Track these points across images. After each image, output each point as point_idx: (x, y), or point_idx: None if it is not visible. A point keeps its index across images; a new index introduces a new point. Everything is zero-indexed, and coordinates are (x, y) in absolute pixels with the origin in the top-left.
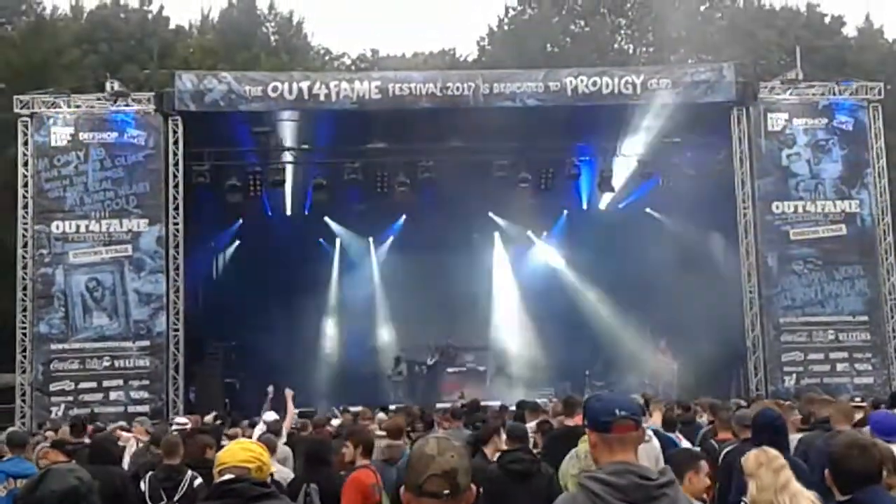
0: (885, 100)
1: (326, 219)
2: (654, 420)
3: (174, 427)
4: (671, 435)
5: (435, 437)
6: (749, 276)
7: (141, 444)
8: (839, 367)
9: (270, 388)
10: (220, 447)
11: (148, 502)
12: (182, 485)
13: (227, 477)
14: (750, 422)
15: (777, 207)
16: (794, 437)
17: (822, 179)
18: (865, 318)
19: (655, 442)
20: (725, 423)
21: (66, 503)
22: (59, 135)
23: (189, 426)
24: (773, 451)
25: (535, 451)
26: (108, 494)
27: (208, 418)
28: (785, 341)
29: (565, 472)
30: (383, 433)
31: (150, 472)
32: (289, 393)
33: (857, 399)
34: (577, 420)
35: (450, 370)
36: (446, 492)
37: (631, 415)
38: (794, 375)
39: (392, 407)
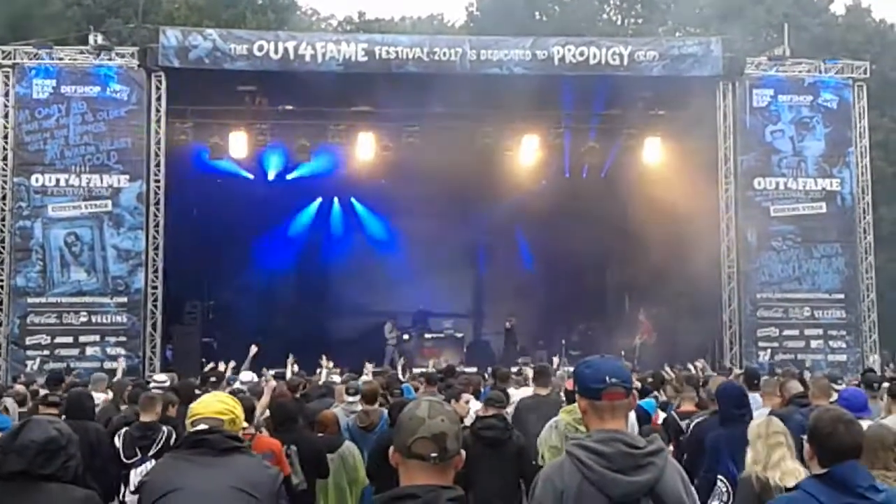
0: (870, 79)
1: (308, 180)
2: None
3: (153, 385)
4: (649, 401)
5: (427, 400)
6: (728, 252)
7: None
8: (813, 343)
9: (253, 348)
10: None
11: (123, 458)
12: (157, 441)
13: (200, 427)
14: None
15: (759, 184)
16: (764, 411)
17: (805, 157)
18: (842, 295)
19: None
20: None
21: (46, 452)
22: (41, 87)
23: (168, 384)
24: (775, 424)
25: None
26: (84, 449)
27: (222, 366)
28: (761, 317)
29: (544, 441)
30: (354, 397)
31: (124, 429)
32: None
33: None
34: (546, 390)
35: (427, 336)
36: (434, 455)
37: (621, 382)
38: (769, 351)
39: (369, 367)
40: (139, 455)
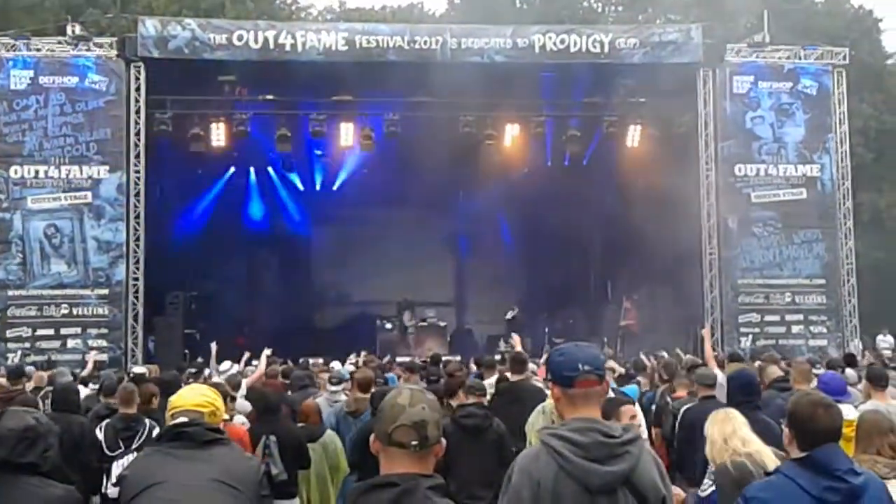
0: (849, 65)
1: (288, 170)
2: (612, 377)
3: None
4: (631, 388)
5: (409, 388)
6: (709, 238)
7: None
8: (794, 329)
9: (213, 346)
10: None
11: (105, 451)
12: (140, 434)
13: (180, 420)
14: (709, 381)
15: (739, 170)
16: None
17: (785, 143)
18: (822, 281)
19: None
20: (681, 381)
21: (25, 440)
22: (19, 78)
23: (146, 375)
24: (727, 411)
25: None
26: (67, 442)
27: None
28: (742, 303)
29: (532, 426)
30: (338, 387)
31: (105, 421)
32: (266, 352)
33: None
34: (524, 376)
35: (411, 324)
36: (414, 443)
37: (595, 370)
38: (751, 336)
39: (352, 358)
40: (122, 447)
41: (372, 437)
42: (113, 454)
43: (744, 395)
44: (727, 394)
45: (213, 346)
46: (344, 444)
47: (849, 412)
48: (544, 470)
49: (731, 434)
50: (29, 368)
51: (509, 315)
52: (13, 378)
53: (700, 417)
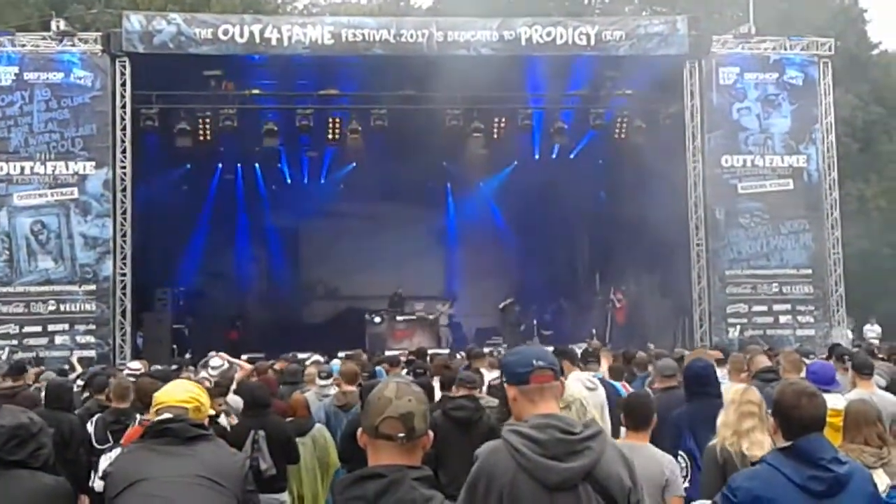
0: (834, 56)
1: (275, 164)
2: (602, 368)
3: (126, 372)
4: (616, 384)
5: (395, 381)
6: (697, 229)
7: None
8: (782, 319)
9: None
10: None
11: (95, 444)
12: (130, 427)
13: (164, 416)
14: (671, 371)
15: (726, 161)
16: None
17: (772, 134)
18: (809, 271)
19: (601, 390)
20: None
21: (17, 438)
22: (4, 74)
23: (141, 371)
24: (751, 393)
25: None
26: (56, 439)
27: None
28: (730, 293)
29: None
30: (327, 381)
31: (97, 416)
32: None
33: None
34: None
35: (399, 318)
36: (401, 435)
37: (548, 364)
38: (738, 327)
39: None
40: (111, 441)
41: (359, 430)
42: (101, 447)
43: (699, 385)
44: (684, 385)
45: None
46: (335, 438)
47: (837, 402)
48: (503, 466)
49: (745, 432)
50: None
51: (501, 305)
52: (14, 374)
53: (662, 408)
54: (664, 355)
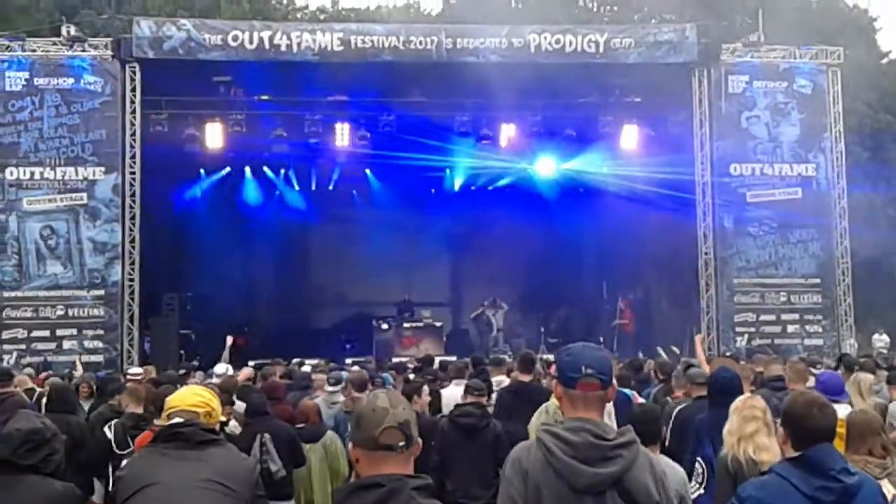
0: (843, 65)
1: (284, 170)
2: None
3: (128, 377)
4: (626, 391)
5: (384, 391)
6: (705, 238)
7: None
8: (790, 328)
9: (229, 339)
10: None
11: (115, 449)
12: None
13: (175, 420)
14: (702, 380)
15: (735, 169)
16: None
17: (780, 142)
18: (817, 280)
19: None
20: (679, 382)
21: (30, 443)
22: (14, 79)
23: (142, 376)
24: (755, 401)
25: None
26: (68, 443)
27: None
28: (738, 302)
29: (534, 426)
30: (335, 387)
31: (115, 420)
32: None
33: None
34: (529, 376)
35: (406, 325)
36: (402, 443)
37: (597, 373)
38: (746, 336)
39: (348, 361)
40: (131, 446)
41: (350, 445)
42: (122, 453)
43: (720, 394)
44: (708, 394)
45: (229, 339)
46: (345, 445)
47: (844, 411)
48: (535, 463)
49: (749, 436)
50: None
51: (473, 315)
52: (2, 380)
53: (692, 417)
54: (692, 364)
